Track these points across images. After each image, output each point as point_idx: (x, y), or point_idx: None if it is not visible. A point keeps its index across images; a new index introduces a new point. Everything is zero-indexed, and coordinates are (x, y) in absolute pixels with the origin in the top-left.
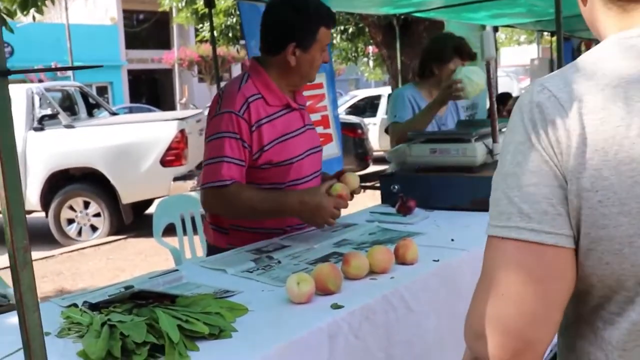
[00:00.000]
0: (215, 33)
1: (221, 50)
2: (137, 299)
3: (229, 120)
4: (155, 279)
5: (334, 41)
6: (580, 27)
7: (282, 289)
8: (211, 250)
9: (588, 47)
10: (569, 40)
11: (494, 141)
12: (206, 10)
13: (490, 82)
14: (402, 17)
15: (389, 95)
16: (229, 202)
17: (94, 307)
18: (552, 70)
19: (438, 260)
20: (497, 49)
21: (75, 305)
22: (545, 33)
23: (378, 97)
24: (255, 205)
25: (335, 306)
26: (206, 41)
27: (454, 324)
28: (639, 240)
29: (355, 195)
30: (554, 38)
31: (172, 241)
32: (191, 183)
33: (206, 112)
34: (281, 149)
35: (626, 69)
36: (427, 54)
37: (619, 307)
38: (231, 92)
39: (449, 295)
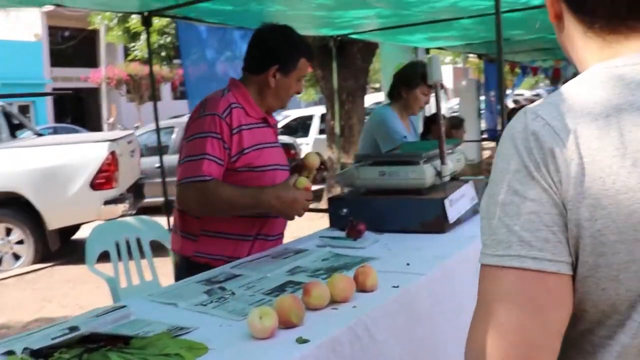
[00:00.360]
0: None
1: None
2: (87, 342)
3: (212, 122)
4: (101, 317)
5: None
6: (505, 50)
7: (241, 323)
8: (178, 261)
9: (512, 69)
10: (493, 61)
11: (442, 163)
12: (138, 28)
13: (439, 106)
14: (339, 38)
15: (370, 117)
16: (207, 197)
17: (37, 353)
18: (479, 90)
19: (398, 287)
20: None
21: (12, 352)
22: (471, 55)
23: (310, 117)
24: (233, 201)
25: (301, 340)
26: (136, 60)
27: (414, 349)
28: (633, 265)
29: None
30: (481, 60)
31: (104, 268)
32: (122, 207)
33: (137, 133)
34: (259, 155)
35: (616, 98)
36: (398, 78)
37: (611, 330)
38: (215, 98)
39: (407, 321)
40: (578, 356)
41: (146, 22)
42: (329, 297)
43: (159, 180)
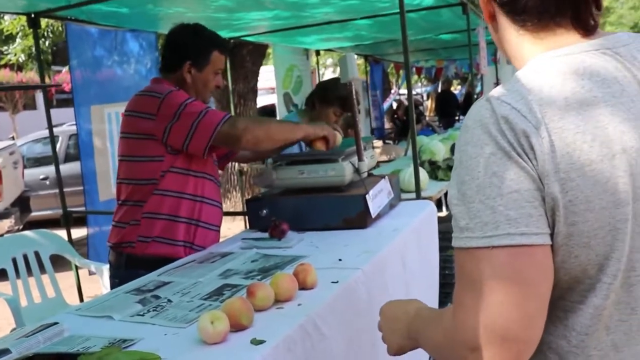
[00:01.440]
0: (23, 57)
1: (25, 76)
2: None
3: (177, 94)
4: (33, 337)
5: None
6: (390, 51)
7: (187, 330)
8: (114, 259)
9: (397, 70)
10: (380, 62)
11: (360, 159)
12: (12, 31)
13: (353, 103)
14: (232, 40)
15: None
16: (255, 120)
17: None
18: (367, 91)
19: (337, 282)
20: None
21: None
22: (357, 56)
23: None
24: (275, 120)
25: (256, 341)
26: (8, 65)
27: (356, 341)
28: (601, 232)
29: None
30: (366, 61)
31: (1, 287)
32: (8, 222)
33: (19, 143)
34: None
35: (569, 83)
36: (318, 87)
37: (581, 295)
38: (156, 86)
39: (349, 315)
40: (549, 322)
41: (33, 23)
42: (273, 297)
43: (45, 192)
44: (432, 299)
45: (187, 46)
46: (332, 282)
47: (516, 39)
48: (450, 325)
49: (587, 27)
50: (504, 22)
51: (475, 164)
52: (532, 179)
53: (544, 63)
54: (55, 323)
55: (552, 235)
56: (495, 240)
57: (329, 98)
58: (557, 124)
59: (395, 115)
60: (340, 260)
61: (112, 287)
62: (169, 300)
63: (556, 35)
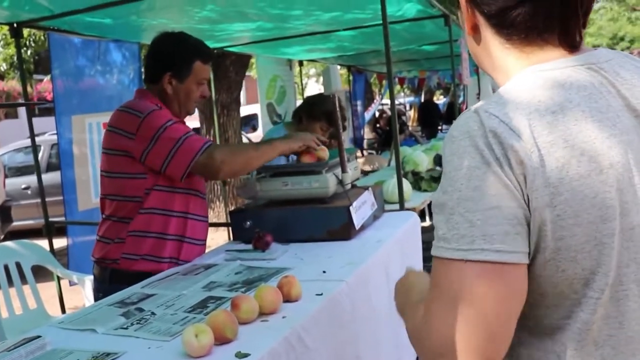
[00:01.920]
0: (4, 66)
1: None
2: None
3: (159, 114)
4: (14, 351)
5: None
6: (373, 61)
7: (171, 344)
8: (98, 273)
9: (380, 80)
10: (362, 73)
11: (343, 171)
12: None
13: (337, 115)
14: (215, 51)
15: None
16: (231, 149)
17: None
18: (349, 101)
19: (322, 294)
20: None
21: None
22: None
23: None
24: (251, 146)
25: (241, 355)
26: None
27: (340, 354)
28: (587, 246)
29: None
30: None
31: None
32: None
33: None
34: None
35: (556, 97)
36: (306, 102)
37: (569, 310)
38: (138, 103)
39: (333, 327)
40: (536, 341)
41: (16, 33)
42: (257, 310)
43: (27, 201)
44: None
45: (167, 56)
46: (317, 295)
47: (500, 52)
48: (420, 325)
49: (573, 43)
50: (489, 34)
51: (458, 176)
52: (514, 197)
53: (530, 77)
54: (38, 337)
55: (534, 252)
56: (470, 254)
57: (316, 113)
58: (546, 138)
59: (378, 125)
60: (324, 272)
61: (95, 300)
62: (153, 313)
63: (542, 50)
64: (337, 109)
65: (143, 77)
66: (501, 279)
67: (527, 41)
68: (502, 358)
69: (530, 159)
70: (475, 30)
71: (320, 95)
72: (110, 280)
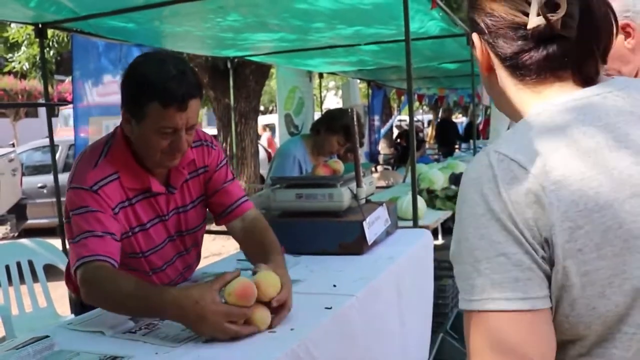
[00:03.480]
0: (27, 65)
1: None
2: None
3: (82, 197)
4: (23, 350)
5: None
6: (393, 77)
7: (178, 350)
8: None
9: (399, 96)
10: (382, 88)
11: (358, 186)
12: (18, 39)
13: (354, 129)
14: (235, 60)
15: (277, 151)
16: (92, 287)
17: None
18: (367, 115)
19: (331, 308)
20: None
21: None
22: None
23: None
24: (119, 299)
25: None
26: (12, 73)
27: None
28: (616, 280)
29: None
30: (369, 86)
31: None
32: (3, 229)
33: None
34: (145, 238)
35: (571, 129)
36: (325, 115)
37: (603, 347)
38: (86, 165)
39: (342, 341)
40: None
41: (40, 33)
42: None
43: (42, 200)
44: (425, 328)
45: (123, 92)
46: (326, 308)
47: (515, 93)
48: None
49: (588, 79)
50: (503, 75)
51: (467, 224)
52: (519, 243)
53: (542, 113)
54: (46, 336)
55: (561, 292)
56: (483, 304)
57: (335, 127)
58: (560, 170)
59: (398, 141)
60: (334, 286)
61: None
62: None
63: (555, 86)
64: (355, 124)
65: None
66: (517, 327)
67: (539, 81)
68: None
69: (544, 196)
70: (490, 70)
71: (340, 109)
72: (82, 306)
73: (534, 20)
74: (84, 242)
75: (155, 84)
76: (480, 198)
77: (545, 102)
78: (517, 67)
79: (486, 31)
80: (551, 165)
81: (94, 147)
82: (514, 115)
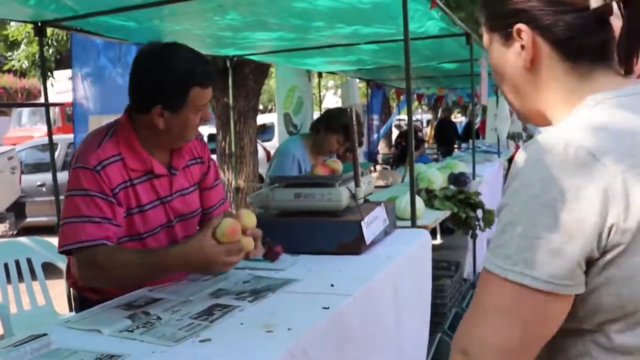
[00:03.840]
0: (27, 63)
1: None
2: None
3: (85, 177)
4: (20, 347)
5: None
6: (392, 77)
7: (175, 349)
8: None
9: (398, 95)
10: (381, 87)
11: (357, 185)
12: (17, 37)
13: (353, 129)
14: (235, 58)
15: (277, 150)
16: (99, 267)
17: None
18: (366, 114)
19: (328, 308)
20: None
21: None
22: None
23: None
24: (129, 270)
25: None
26: (11, 71)
27: None
28: None
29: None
30: (368, 85)
31: None
32: (2, 227)
33: (18, 148)
34: (143, 219)
35: (629, 121)
36: (324, 115)
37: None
38: (90, 146)
39: (338, 341)
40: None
41: (39, 32)
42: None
43: (41, 198)
44: (423, 328)
45: (157, 87)
46: (323, 308)
47: (563, 81)
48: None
49: (630, 70)
50: (552, 63)
51: (529, 205)
52: (583, 235)
53: (601, 106)
54: (44, 334)
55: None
56: (509, 275)
57: (335, 126)
58: (626, 161)
59: (399, 141)
60: (332, 285)
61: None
62: (159, 318)
63: (602, 76)
64: (354, 123)
65: (130, 101)
66: (533, 305)
67: (591, 67)
68: None
69: (615, 184)
70: (534, 62)
71: (339, 108)
72: (82, 303)
73: (597, 0)
74: (82, 226)
75: (191, 71)
76: (552, 184)
77: (595, 94)
78: (572, 52)
79: (537, 17)
80: (616, 156)
81: (99, 131)
82: (550, 107)
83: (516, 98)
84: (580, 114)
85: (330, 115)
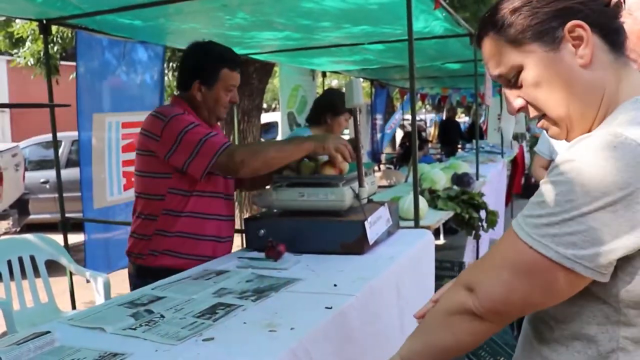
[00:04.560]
0: (32, 61)
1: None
2: None
3: (181, 120)
4: (24, 345)
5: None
6: (396, 76)
7: (178, 347)
8: (132, 269)
9: (402, 95)
10: (385, 87)
11: (360, 185)
12: (23, 35)
13: (357, 129)
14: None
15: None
16: (253, 151)
17: None
18: (370, 114)
19: (331, 308)
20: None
21: None
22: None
23: None
24: (275, 145)
25: None
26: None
27: None
28: None
29: None
30: (372, 85)
31: None
32: (6, 223)
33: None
34: None
35: None
36: (322, 105)
37: None
38: (164, 108)
39: (340, 341)
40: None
41: (44, 30)
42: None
43: (44, 195)
44: None
45: (195, 65)
46: (326, 308)
47: (614, 71)
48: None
49: None
50: (604, 55)
51: (590, 197)
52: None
53: None
54: (47, 332)
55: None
56: (536, 244)
57: (338, 108)
58: None
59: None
60: (335, 285)
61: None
62: (162, 316)
63: (630, 69)
64: (358, 123)
65: (176, 84)
66: (548, 276)
67: (625, 58)
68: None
69: None
70: (592, 59)
71: (330, 92)
72: (137, 274)
73: None
74: (211, 139)
75: (223, 55)
76: (618, 187)
77: (633, 85)
78: (617, 42)
79: (587, 11)
80: None
81: (165, 106)
82: (615, 94)
83: (569, 106)
84: (630, 112)
85: (330, 102)
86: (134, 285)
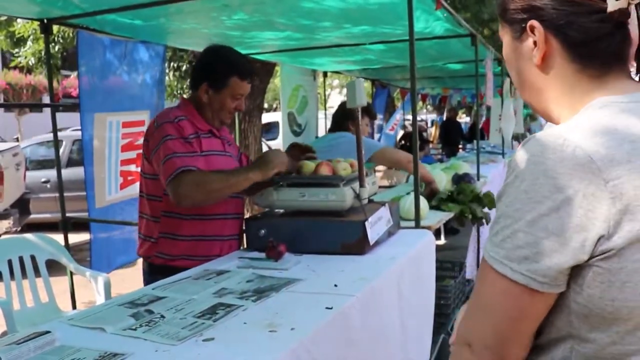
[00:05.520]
0: (33, 60)
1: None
2: None
3: (168, 128)
4: (24, 345)
5: (167, 77)
6: (397, 76)
7: (178, 348)
8: (145, 266)
9: (403, 95)
10: (386, 87)
11: (361, 186)
12: (24, 34)
13: (358, 129)
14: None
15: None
16: (198, 181)
17: None
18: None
19: (332, 308)
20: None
21: None
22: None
23: None
24: (220, 176)
25: None
26: (17, 67)
27: None
28: None
29: None
30: (373, 85)
31: None
32: (6, 223)
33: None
34: (206, 162)
35: (633, 127)
36: (343, 114)
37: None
38: (164, 112)
39: (341, 341)
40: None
41: (45, 29)
42: None
43: (45, 195)
44: (426, 329)
45: (207, 67)
46: (327, 308)
47: (572, 82)
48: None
49: None
50: (563, 63)
51: (533, 204)
52: (580, 238)
53: (610, 106)
54: (47, 332)
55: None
56: (507, 271)
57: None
58: (625, 166)
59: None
60: (335, 285)
61: None
62: (162, 316)
63: (616, 77)
64: (359, 123)
65: (188, 83)
66: (522, 301)
67: (603, 69)
68: (521, 357)
69: (616, 185)
70: (545, 60)
71: (343, 105)
72: (149, 272)
73: (615, 4)
74: (170, 161)
75: (236, 63)
76: (554, 189)
77: (603, 97)
78: (585, 54)
79: (552, 17)
80: (617, 160)
81: (167, 109)
82: (558, 107)
83: (526, 93)
84: (585, 115)
85: (349, 111)
86: (146, 282)
